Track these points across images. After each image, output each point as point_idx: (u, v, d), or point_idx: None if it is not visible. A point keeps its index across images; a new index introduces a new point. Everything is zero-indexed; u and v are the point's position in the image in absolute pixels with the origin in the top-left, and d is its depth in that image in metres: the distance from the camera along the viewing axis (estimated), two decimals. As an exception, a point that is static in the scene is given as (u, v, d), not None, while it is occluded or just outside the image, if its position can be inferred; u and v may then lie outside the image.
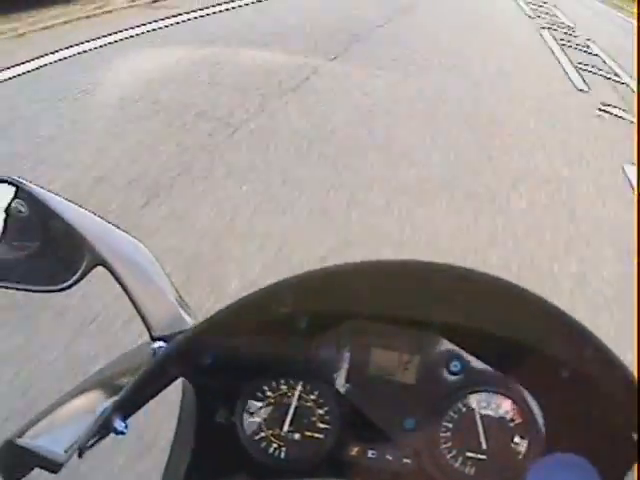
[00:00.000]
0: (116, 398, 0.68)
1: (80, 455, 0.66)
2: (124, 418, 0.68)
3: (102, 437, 0.68)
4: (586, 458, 0.70)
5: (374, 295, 0.75)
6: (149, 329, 0.77)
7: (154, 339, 0.76)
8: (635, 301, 2.94)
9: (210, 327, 0.70)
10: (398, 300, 0.75)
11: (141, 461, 1.83)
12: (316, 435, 0.80)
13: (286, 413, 0.79)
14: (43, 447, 0.64)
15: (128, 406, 0.69)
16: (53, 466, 0.64)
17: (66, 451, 0.64)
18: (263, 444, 0.80)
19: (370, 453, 0.80)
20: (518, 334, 0.74)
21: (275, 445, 0.80)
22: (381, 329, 0.78)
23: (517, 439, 0.78)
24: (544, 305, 0.68)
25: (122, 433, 0.68)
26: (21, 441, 0.65)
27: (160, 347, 0.75)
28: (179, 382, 0.77)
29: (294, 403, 0.79)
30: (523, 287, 0.68)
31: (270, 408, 0.79)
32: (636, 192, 4.54)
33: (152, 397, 0.72)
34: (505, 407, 0.78)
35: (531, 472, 0.72)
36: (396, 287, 0.73)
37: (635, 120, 6.35)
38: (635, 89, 7.75)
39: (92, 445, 0.67)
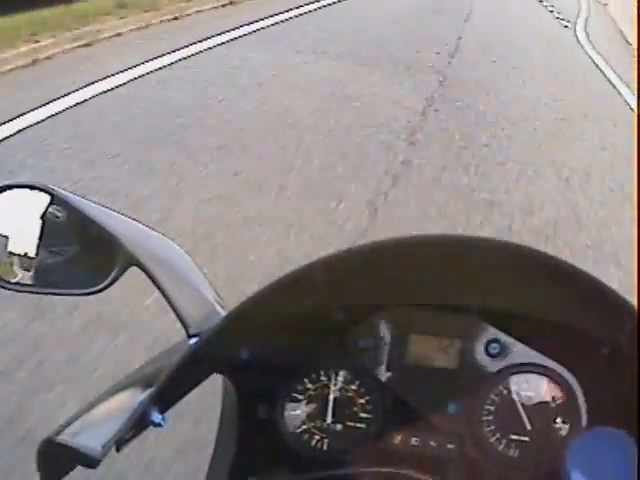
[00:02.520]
0: (152, 391, 0.68)
1: (118, 449, 0.65)
2: (161, 411, 0.68)
3: (139, 431, 0.68)
4: (625, 432, 0.70)
5: (409, 278, 0.74)
6: (185, 326, 0.77)
7: (191, 336, 0.77)
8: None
9: (239, 316, 0.69)
10: (434, 283, 0.75)
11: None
12: (358, 425, 0.80)
13: (327, 405, 0.79)
14: (80, 443, 0.63)
15: (164, 399, 0.68)
16: (91, 461, 0.63)
17: (103, 446, 0.63)
18: (305, 437, 0.80)
19: (414, 440, 0.80)
20: (557, 313, 0.75)
21: (317, 437, 0.80)
22: (418, 315, 0.78)
23: (559, 419, 0.78)
24: (584, 278, 0.67)
25: (159, 425, 0.67)
26: (59, 438, 0.64)
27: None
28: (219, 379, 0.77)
29: (335, 394, 0.79)
30: (561, 259, 0.67)
31: (311, 401, 0.79)
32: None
33: (188, 392, 0.72)
34: (546, 388, 0.78)
35: (572, 447, 0.72)
36: (431, 266, 0.72)
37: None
38: None
39: (129, 439, 0.66)
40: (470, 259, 0.70)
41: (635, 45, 8.65)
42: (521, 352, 0.78)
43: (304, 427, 0.80)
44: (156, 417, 0.67)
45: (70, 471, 0.67)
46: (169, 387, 0.68)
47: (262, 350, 0.76)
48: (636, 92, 6.72)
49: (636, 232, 3.61)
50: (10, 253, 0.80)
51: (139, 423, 0.67)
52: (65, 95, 4.70)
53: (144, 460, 1.83)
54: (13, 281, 0.80)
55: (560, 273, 0.68)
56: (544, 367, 0.78)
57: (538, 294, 0.73)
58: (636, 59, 7.84)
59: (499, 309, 0.76)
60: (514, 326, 0.77)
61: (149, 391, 0.68)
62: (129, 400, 0.69)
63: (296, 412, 0.80)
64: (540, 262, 0.67)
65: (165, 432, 0.71)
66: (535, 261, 0.68)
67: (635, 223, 3.69)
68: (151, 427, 0.68)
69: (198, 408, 0.85)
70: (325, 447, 0.80)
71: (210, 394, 0.83)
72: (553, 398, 0.78)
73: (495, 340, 0.78)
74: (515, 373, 0.79)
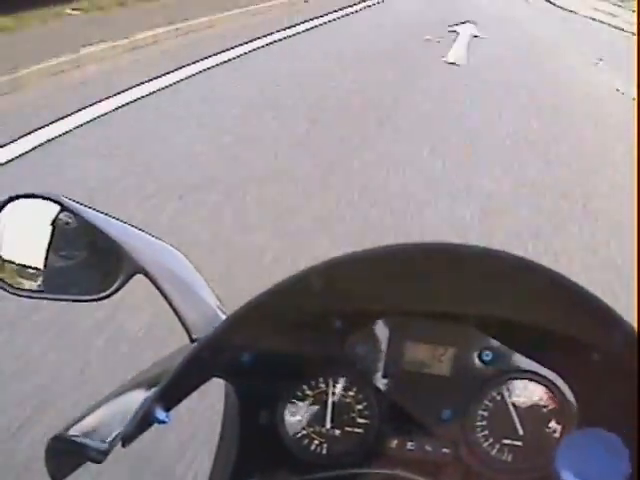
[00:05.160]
0: (156, 390, 0.70)
1: (124, 445, 0.67)
2: (165, 409, 0.70)
3: (145, 427, 0.69)
4: (615, 433, 0.72)
5: (406, 286, 0.76)
6: (188, 331, 0.80)
7: (193, 340, 0.79)
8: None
9: (238, 320, 0.71)
10: (431, 291, 0.76)
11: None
12: (356, 430, 0.82)
13: (326, 410, 0.82)
14: (88, 439, 0.66)
15: (167, 398, 0.70)
16: (97, 456, 0.65)
17: (110, 442, 0.66)
18: (305, 442, 0.82)
19: (409, 445, 0.82)
20: (548, 320, 0.76)
21: (317, 442, 0.82)
22: (415, 323, 0.80)
23: (551, 424, 0.80)
24: (574, 288, 0.69)
25: (164, 422, 0.69)
26: (67, 435, 0.66)
27: None
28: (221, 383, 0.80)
29: (333, 400, 0.82)
30: (552, 269, 0.69)
31: (310, 406, 0.81)
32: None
33: (190, 392, 0.73)
34: (538, 393, 0.80)
35: (561, 446, 0.73)
36: (429, 274, 0.73)
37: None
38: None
39: (135, 436, 0.68)
40: (468, 267, 0.72)
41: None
42: (513, 359, 0.81)
43: (304, 432, 0.82)
44: (160, 414, 0.69)
45: (78, 467, 0.69)
46: (172, 386, 0.70)
47: (262, 355, 0.78)
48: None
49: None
50: (19, 263, 0.83)
51: (144, 420, 0.68)
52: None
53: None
54: (25, 288, 0.83)
55: (551, 283, 0.70)
56: (536, 373, 0.80)
57: (529, 303, 0.75)
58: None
59: (492, 318, 0.79)
60: (507, 334, 0.79)
61: (153, 390, 0.70)
62: (135, 399, 0.71)
63: (296, 417, 0.82)
64: (530, 272, 0.69)
65: (169, 434, 0.74)
66: (525, 271, 0.69)
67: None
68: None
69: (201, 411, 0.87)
70: (324, 451, 0.82)
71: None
72: (545, 403, 0.80)
73: (488, 347, 0.80)
74: (507, 380, 0.81)
